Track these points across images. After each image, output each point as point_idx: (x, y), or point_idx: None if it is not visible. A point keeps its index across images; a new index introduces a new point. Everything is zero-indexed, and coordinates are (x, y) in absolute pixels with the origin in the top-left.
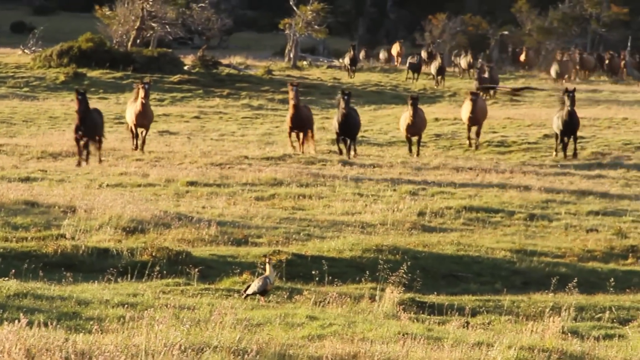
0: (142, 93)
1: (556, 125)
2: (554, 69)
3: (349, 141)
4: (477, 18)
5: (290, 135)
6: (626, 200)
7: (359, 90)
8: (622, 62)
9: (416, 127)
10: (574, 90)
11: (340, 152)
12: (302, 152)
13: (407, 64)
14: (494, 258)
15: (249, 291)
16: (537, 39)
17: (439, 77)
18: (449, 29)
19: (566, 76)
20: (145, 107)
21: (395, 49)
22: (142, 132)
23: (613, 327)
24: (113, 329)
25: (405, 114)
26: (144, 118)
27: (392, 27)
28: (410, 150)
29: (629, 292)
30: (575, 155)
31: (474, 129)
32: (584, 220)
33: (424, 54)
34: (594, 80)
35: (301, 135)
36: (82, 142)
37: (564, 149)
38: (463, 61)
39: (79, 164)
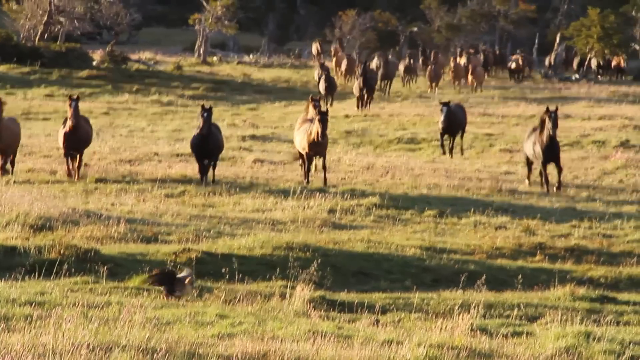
0: (70, 112)
1: (531, 152)
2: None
3: (207, 163)
4: (387, 14)
5: (67, 158)
6: (534, 198)
7: (269, 86)
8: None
9: (322, 146)
10: (557, 110)
11: (201, 179)
12: (77, 178)
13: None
14: (403, 255)
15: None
16: (445, 35)
17: None
18: (359, 25)
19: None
20: (76, 127)
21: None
22: (78, 156)
23: (521, 324)
24: (20, 328)
25: (305, 127)
26: (78, 142)
27: (303, 23)
28: (307, 177)
29: (536, 289)
30: (559, 187)
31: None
32: (492, 217)
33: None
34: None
35: (78, 157)
36: None
37: (546, 180)
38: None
39: None
